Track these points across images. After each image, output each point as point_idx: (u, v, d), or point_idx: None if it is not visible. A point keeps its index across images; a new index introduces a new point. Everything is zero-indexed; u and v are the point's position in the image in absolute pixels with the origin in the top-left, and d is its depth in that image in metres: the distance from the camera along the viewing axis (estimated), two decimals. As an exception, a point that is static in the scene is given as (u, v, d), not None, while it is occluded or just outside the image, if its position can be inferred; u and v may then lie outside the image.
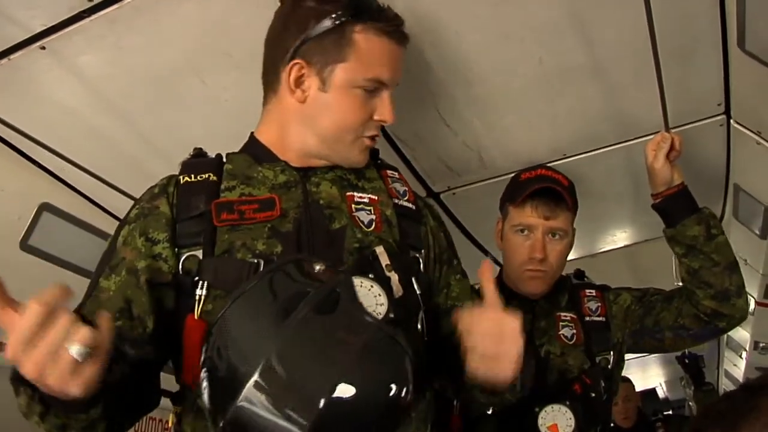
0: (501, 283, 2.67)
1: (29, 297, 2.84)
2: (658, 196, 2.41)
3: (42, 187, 2.78)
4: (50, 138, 2.51)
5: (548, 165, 2.70)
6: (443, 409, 2.22)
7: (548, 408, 2.32)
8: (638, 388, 7.77)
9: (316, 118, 1.75)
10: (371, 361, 1.29)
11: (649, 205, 2.46)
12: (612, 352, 2.53)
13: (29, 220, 2.80)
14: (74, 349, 1.20)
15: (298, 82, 1.73)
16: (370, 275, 1.47)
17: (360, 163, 1.82)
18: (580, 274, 2.78)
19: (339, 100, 1.72)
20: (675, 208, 2.38)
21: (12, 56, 2.08)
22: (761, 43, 2.04)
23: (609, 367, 2.51)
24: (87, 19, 1.96)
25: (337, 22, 1.68)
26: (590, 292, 2.64)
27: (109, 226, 2.96)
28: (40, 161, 2.66)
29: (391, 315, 1.46)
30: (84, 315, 1.50)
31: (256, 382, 1.22)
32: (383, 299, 1.43)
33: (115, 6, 1.93)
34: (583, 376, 2.42)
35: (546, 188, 2.48)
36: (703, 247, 2.32)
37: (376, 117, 1.76)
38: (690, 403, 7.08)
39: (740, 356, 7.41)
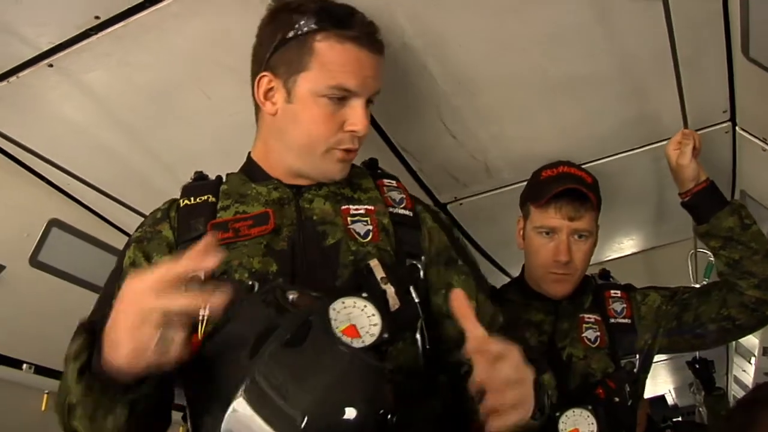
0: (523, 283, 2.66)
1: (39, 313, 2.85)
2: (687, 194, 2.41)
3: (50, 203, 2.79)
4: (58, 154, 2.52)
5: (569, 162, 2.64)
6: (461, 415, 2.20)
7: (569, 412, 2.25)
8: (647, 395, 7.73)
9: (285, 131, 1.75)
10: (341, 388, 1.25)
11: (656, 211, 2.45)
12: (638, 356, 2.48)
13: (38, 237, 2.81)
14: None
15: (268, 94, 1.73)
16: (363, 294, 1.46)
17: (337, 175, 1.79)
18: (605, 274, 2.73)
19: (304, 111, 1.70)
20: (706, 203, 2.37)
21: (20, 74, 2.10)
22: (765, 49, 2.04)
23: (634, 370, 2.46)
24: (94, 37, 1.97)
25: (299, 33, 1.68)
26: (615, 293, 2.59)
27: (118, 241, 2.97)
28: (48, 177, 2.67)
29: (386, 335, 1.45)
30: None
31: (227, 421, 1.20)
32: (377, 319, 1.42)
33: (122, 23, 1.94)
34: (606, 380, 2.37)
35: (570, 188, 2.43)
36: (741, 237, 2.31)
37: (347, 127, 1.71)
38: (700, 409, 7.06)
39: (749, 362, 7.39)
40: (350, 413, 1.23)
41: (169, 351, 1.25)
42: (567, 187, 2.42)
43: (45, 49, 2.01)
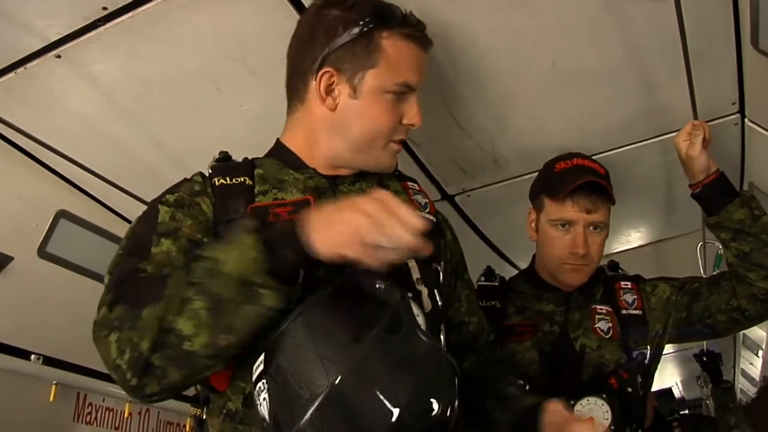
0: (534, 274, 2.66)
1: (47, 304, 2.85)
2: (697, 185, 2.39)
3: (58, 194, 2.80)
4: (66, 145, 2.53)
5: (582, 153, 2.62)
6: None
7: (584, 401, 2.27)
8: (654, 387, 7.68)
9: (347, 126, 1.75)
10: (430, 378, 1.30)
11: (665, 203, 2.43)
12: (649, 347, 2.49)
13: (46, 228, 2.82)
14: None
15: (329, 90, 1.73)
16: (409, 294, 1.47)
17: (391, 167, 1.85)
18: (614, 265, 2.72)
19: (370, 106, 1.72)
20: (716, 194, 2.36)
21: (28, 65, 2.10)
22: (775, 41, 2.03)
23: (645, 361, 2.47)
24: (102, 28, 1.97)
25: (365, 29, 1.69)
26: (626, 285, 2.59)
27: (126, 232, 2.99)
28: (56, 169, 2.68)
29: (429, 334, 1.47)
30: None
31: (322, 402, 1.21)
32: (421, 319, 1.43)
33: (130, 14, 1.94)
34: (619, 371, 2.38)
35: (588, 182, 2.41)
36: (751, 228, 2.30)
37: (405, 121, 1.77)
38: (707, 402, 7.05)
39: (756, 355, 7.39)
40: (437, 405, 1.29)
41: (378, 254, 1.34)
42: (586, 180, 2.40)
43: (53, 40, 2.01)
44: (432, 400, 1.27)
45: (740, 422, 5.18)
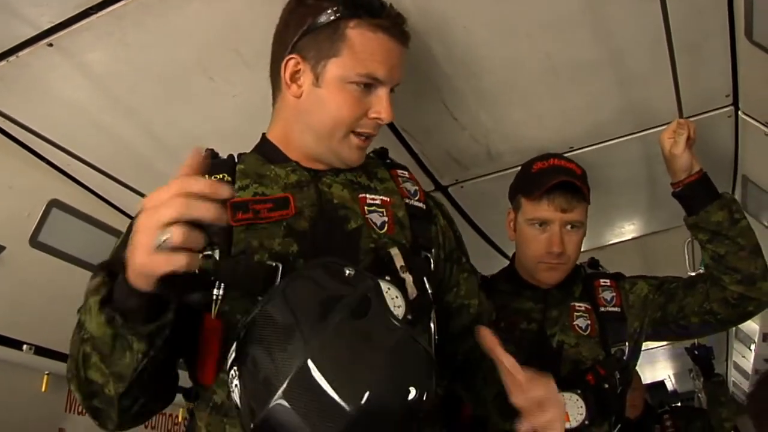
0: (513, 273, 2.68)
1: (39, 294, 2.83)
2: (678, 184, 2.40)
3: (50, 183, 2.79)
4: (58, 134, 2.51)
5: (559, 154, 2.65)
6: (453, 400, 2.22)
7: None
8: (647, 380, 7.70)
9: (309, 114, 1.75)
10: (399, 364, 1.29)
11: (658, 196, 2.44)
12: (627, 343, 2.50)
13: (38, 217, 2.81)
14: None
15: (294, 77, 1.74)
16: (387, 278, 1.47)
17: (353, 161, 1.82)
18: (594, 263, 2.75)
19: (332, 96, 1.72)
20: (697, 194, 2.36)
21: (20, 53, 2.08)
22: (769, 33, 2.03)
23: (624, 358, 2.48)
24: (94, 16, 1.96)
25: (332, 18, 1.69)
26: (605, 282, 2.61)
27: (118, 222, 2.98)
28: (48, 158, 2.66)
29: (409, 317, 1.46)
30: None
31: (289, 385, 1.21)
32: (400, 301, 1.43)
33: (123, 2, 1.93)
34: (596, 367, 2.40)
35: (562, 182, 2.44)
36: (728, 232, 2.30)
37: (371, 114, 1.75)
38: (699, 395, 7.08)
39: (749, 348, 7.40)
40: (411, 393, 1.28)
41: (180, 255, 1.20)
42: (560, 180, 2.43)
43: (45, 28, 2.00)
44: (406, 387, 1.27)
45: (732, 415, 5.20)
